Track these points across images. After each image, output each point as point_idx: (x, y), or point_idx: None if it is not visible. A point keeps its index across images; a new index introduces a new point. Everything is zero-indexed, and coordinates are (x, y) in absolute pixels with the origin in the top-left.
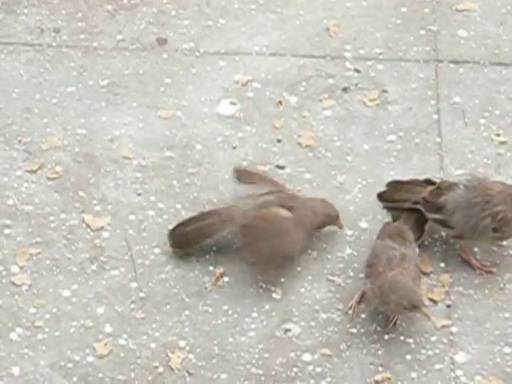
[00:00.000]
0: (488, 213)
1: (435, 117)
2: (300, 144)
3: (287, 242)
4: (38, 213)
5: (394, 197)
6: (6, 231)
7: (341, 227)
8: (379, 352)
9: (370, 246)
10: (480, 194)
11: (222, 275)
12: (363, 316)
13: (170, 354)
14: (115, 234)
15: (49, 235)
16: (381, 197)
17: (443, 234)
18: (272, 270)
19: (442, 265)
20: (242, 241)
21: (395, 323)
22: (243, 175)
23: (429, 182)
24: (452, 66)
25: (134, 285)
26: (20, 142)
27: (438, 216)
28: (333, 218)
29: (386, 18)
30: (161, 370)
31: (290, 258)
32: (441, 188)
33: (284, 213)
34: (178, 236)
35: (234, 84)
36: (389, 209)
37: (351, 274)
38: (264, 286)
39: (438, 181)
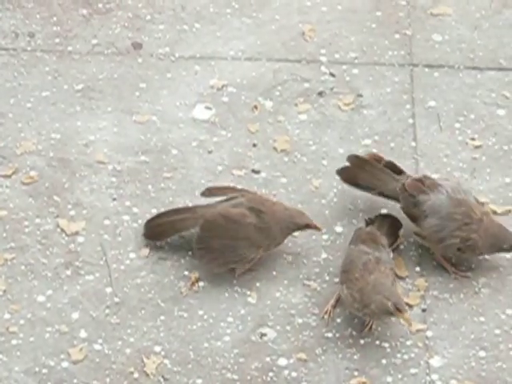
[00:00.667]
0: (462, 235)
1: (410, 121)
2: (275, 148)
3: (243, 245)
4: (12, 218)
5: (357, 180)
6: None
7: (319, 230)
8: (355, 356)
9: (345, 250)
10: (463, 212)
11: (197, 280)
12: (338, 321)
13: (145, 360)
14: (90, 239)
15: (23, 240)
16: (341, 175)
17: (417, 239)
18: (218, 269)
19: (418, 269)
20: (197, 234)
21: (371, 327)
22: (214, 192)
23: (391, 166)
24: (427, 70)
25: (109, 290)
26: None
27: (411, 209)
28: (301, 227)
29: (361, 22)
30: (136, 375)
31: (244, 262)
32: (423, 184)
33: (250, 218)
34: (152, 227)
35: (209, 88)
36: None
37: (327, 278)
38: (239, 290)
39: (400, 166)
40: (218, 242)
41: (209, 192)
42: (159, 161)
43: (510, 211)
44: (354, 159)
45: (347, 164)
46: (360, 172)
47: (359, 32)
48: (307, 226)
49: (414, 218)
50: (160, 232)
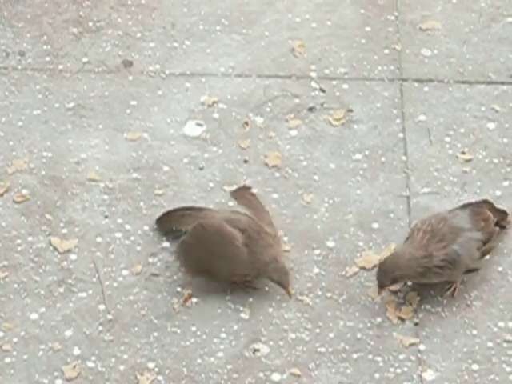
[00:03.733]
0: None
1: (400, 135)
2: (266, 164)
3: (220, 264)
4: (4, 236)
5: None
6: None
7: (289, 295)
8: (348, 371)
9: (337, 266)
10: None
11: (190, 296)
12: (331, 335)
13: (138, 376)
14: (83, 257)
15: (16, 258)
16: None
17: None
18: (189, 274)
19: (410, 283)
20: (187, 233)
21: (454, 290)
22: (240, 194)
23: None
24: (416, 84)
25: (101, 307)
26: None
27: None
28: (274, 281)
29: (351, 38)
30: None
31: (214, 279)
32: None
33: (240, 241)
34: (165, 214)
35: (199, 105)
36: None
37: (319, 293)
38: (232, 306)
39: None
40: (200, 248)
41: (237, 194)
42: (151, 178)
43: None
44: None
45: None
46: None
47: (349, 47)
48: (280, 285)
49: None
50: (168, 220)
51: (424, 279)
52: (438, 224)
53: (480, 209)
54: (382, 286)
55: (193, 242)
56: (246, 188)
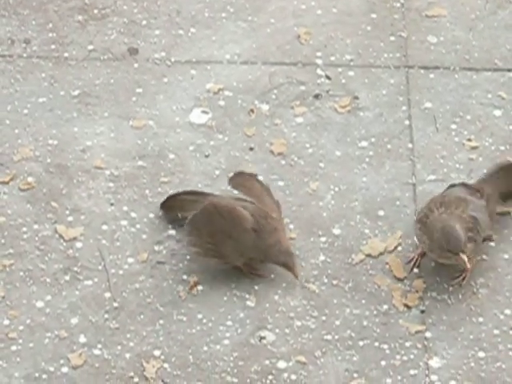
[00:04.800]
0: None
1: (406, 122)
2: (272, 152)
3: (229, 246)
4: (10, 224)
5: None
6: None
7: (296, 277)
8: (354, 358)
9: (344, 253)
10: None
11: (196, 284)
12: (337, 323)
13: (144, 364)
14: (88, 245)
15: (22, 246)
16: None
17: (415, 240)
18: (196, 253)
19: (416, 270)
20: (195, 213)
21: (464, 278)
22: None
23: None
24: (422, 71)
25: (107, 295)
26: None
27: None
28: (279, 264)
29: (356, 25)
30: (136, 379)
31: (221, 262)
32: None
33: (250, 225)
34: (169, 199)
35: (205, 93)
36: None
37: (325, 280)
38: (238, 294)
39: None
40: (209, 228)
41: (233, 182)
42: (156, 165)
43: (508, 212)
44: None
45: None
46: None
47: (354, 34)
48: (286, 267)
49: None
50: (172, 205)
51: (471, 244)
52: (442, 198)
53: (467, 186)
54: (463, 251)
55: (203, 219)
56: (243, 174)
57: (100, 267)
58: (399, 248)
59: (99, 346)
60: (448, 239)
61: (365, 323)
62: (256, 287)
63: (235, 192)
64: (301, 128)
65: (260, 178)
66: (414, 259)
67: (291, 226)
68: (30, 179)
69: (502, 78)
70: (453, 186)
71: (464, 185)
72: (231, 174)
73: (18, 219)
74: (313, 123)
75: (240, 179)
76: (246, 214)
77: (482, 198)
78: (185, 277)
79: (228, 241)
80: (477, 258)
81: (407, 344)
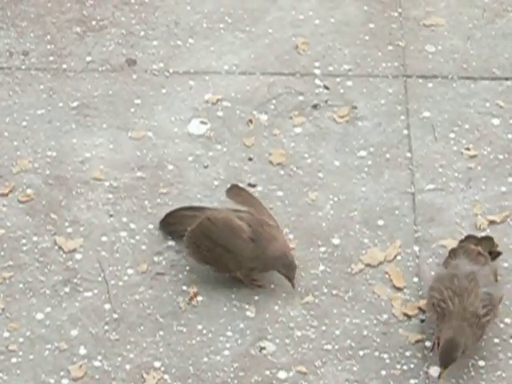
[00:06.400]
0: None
1: (405, 132)
2: (271, 162)
3: (228, 258)
4: (9, 236)
5: None
6: None
7: (292, 286)
8: (354, 368)
9: (343, 263)
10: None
11: (195, 295)
12: (337, 333)
13: (145, 375)
14: (88, 256)
15: (21, 258)
16: None
17: (415, 248)
18: (198, 263)
19: (415, 279)
20: (194, 227)
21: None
22: (234, 193)
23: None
24: (421, 80)
25: (107, 306)
26: None
27: None
28: (280, 272)
29: (354, 35)
30: None
31: (221, 272)
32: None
33: (247, 235)
34: (167, 216)
35: (204, 103)
36: None
37: (325, 290)
38: (238, 304)
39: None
40: (206, 243)
41: (231, 194)
42: (155, 176)
43: (505, 220)
44: None
45: None
46: None
47: (352, 44)
48: (286, 278)
49: None
50: (171, 222)
51: (483, 332)
52: (452, 283)
53: (469, 246)
54: (446, 366)
55: (200, 234)
56: (237, 186)
57: (100, 279)
58: (398, 257)
59: (99, 357)
60: (444, 350)
61: (365, 333)
62: (256, 297)
63: (233, 202)
64: (299, 138)
65: (259, 188)
66: (435, 343)
67: (290, 236)
68: (28, 191)
69: (500, 86)
70: (454, 250)
71: (465, 251)
72: (228, 186)
73: (17, 231)
74: (311, 133)
75: (236, 189)
76: (242, 223)
77: (486, 263)
78: (184, 288)
79: (227, 254)
80: (494, 320)
81: (407, 353)
